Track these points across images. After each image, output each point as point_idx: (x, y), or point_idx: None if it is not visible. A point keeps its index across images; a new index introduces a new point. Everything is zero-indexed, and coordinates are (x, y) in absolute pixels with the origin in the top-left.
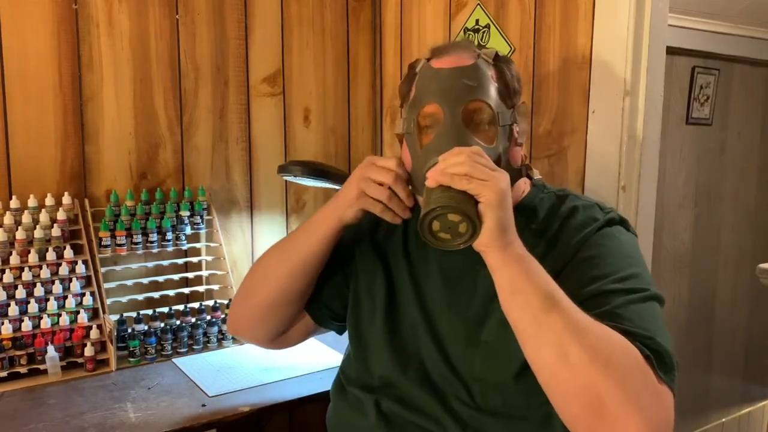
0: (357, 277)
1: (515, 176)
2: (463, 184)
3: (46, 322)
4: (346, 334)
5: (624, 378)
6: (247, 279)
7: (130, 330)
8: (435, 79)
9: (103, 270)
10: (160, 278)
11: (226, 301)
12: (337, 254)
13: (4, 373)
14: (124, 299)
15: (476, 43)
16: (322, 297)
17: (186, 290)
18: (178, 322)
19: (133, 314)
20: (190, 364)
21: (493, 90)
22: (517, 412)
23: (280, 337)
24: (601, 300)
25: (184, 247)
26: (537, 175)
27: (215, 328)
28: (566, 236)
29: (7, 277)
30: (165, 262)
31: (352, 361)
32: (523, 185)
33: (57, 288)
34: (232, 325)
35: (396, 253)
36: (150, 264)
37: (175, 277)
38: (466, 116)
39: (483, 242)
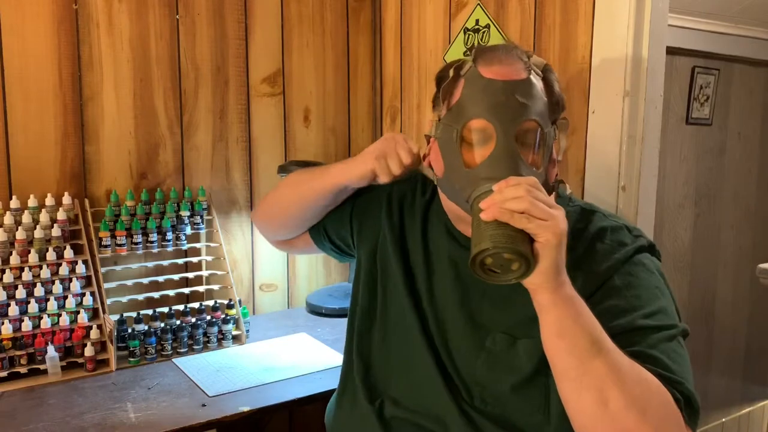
0: (362, 236)
1: (549, 193)
2: (523, 223)
3: (46, 322)
4: (344, 335)
5: (659, 425)
6: (271, 193)
7: (130, 330)
8: (486, 92)
9: (103, 270)
10: (160, 278)
11: (226, 301)
12: (358, 197)
13: (4, 373)
14: (124, 299)
15: (476, 43)
16: (324, 224)
17: (186, 290)
18: (178, 322)
19: (133, 314)
20: (190, 364)
21: (542, 107)
22: (515, 421)
23: (287, 242)
24: (633, 337)
25: (184, 247)
26: (568, 190)
27: (215, 328)
28: (593, 261)
29: (7, 277)
30: (165, 262)
31: (354, 356)
32: None
33: (57, 288)
34: (255, 218)
35: (413, 234)
36: (150, 264)
37: (175, 277)
38: (517, 137)
39: (535, 282)
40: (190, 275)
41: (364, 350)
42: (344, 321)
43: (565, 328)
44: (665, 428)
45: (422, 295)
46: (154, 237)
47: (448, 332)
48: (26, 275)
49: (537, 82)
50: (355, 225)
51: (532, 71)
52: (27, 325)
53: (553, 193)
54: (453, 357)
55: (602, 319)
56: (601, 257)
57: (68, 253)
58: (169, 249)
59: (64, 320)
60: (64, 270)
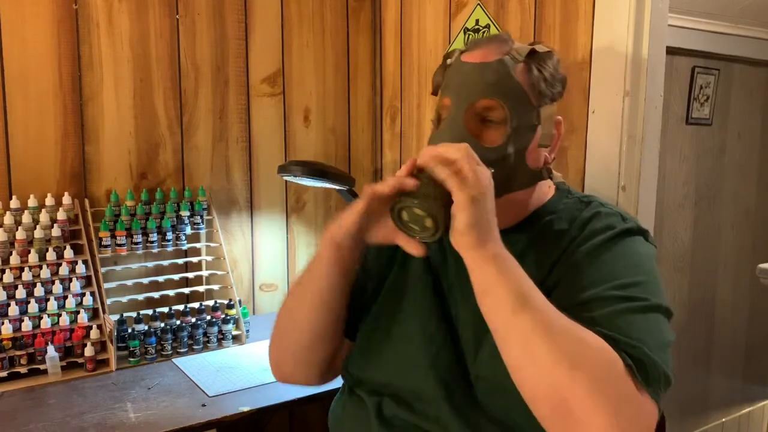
0: (373, 277)
1: (533, 178)
2: (444, 173)
3: (46, 322)
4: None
5: (594, 383)
6: (276, 324)
7: (130, 330)
8: (458, 73)
9: (103, 270)
10: (160, 278)
11: (226, 301)
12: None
13: (4, 373)
14: (124, 299)
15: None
16: (357, 319)
17: (186, 290)
18: (178, 322)
19: (133, 314)
20: (190, 364)
21: (513, 88)
22: (518, 420)
23: (329, 371)
24: (596, 305)
25: (184, 247)
26: (559, 177)
27: (215, 328)
28: (582, 241)
29: (7, 277)
30: (165, 262)
31: (356, 357)
32: (547, 189)
33: (57, 288)
34: (276, 372)
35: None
36: (150, 264)
37: (175, 277)
38: (476, 113)
39: (455, 242)
40: (190, 275)
41: (364, 349)
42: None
43: (489, 285)
44: (602, 388)
45: (445, 294)
46: (154, 237)
47: (459, 329)
48: (26, 275)
49: (512, 65)
50: (372, 263)
51: (509, 54)
52: (27, 325)
53: (547, 181)
54: (460, 351)
55: (572, 289)
56: (588, 236)
57: (68, 253)
58: (169, 249)
59: (64, 320)
60: (64, 270)
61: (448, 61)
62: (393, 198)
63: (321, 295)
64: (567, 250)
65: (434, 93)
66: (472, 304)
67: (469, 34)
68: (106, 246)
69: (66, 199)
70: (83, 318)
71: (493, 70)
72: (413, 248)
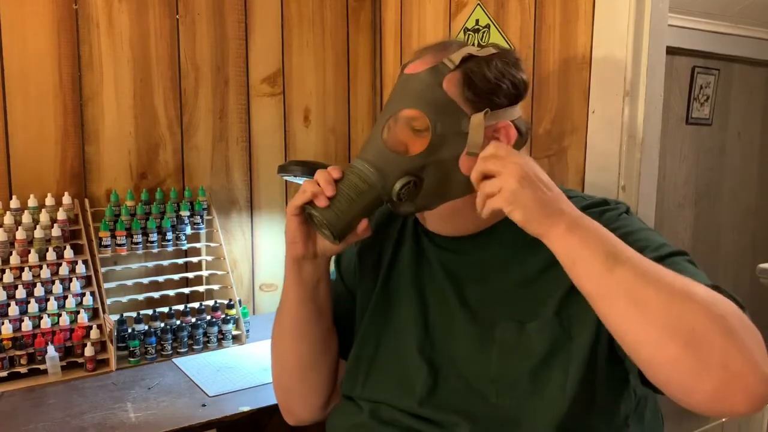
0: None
1: (469, 186)
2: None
3: (46, 322)
4: None
5: (713, 309)
6: (271, 363)
7: (130, 330)
8: (396, 84)
9: (103, 270)
10: (160, 278)
11: (226, 301)
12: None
13: (4, 373)
14: (124, 299)
15: (476, 43)
16: (348, 340)
17: (186, 290)
18: (178, 322)
19: (133, 314)
20: (190, 364)
21: (437, 97)
22: (527, 412)
23: (335, 394)
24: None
25: (184, 247)
26: None
27: (215, 328)
28: None
29: (7, 277)
30: (165, 262)
31: (348, 377)
32: None
33: (57, 288)
34: (288, 415)
35: (405, 248)
36: (150, 264)
37: (175, 277)
38: (404, 123)
39: (528, 229)
40: (190, 275)
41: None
42: None
43: (576, 256)
44: (723, 313)
45: (432, 301)
46: (154, 237)
47: (452, 342)
48: (26, 275)
49: (442, 73)
50: (354, 281)
51: (442, 63)
52: (27, 325)
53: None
54: (458, 365)
55: None
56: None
57: (68, 253)
58: (169, 249)
59: (64, 320)
60: (64, 270)
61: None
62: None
63: (301, 323)
64: None
65: None
66: (469, 313)
67: (469, 35)
68: (106, 246)
69: (66, 199)
70: (83, 318)
71: (419, 80)
72: (355, 237)
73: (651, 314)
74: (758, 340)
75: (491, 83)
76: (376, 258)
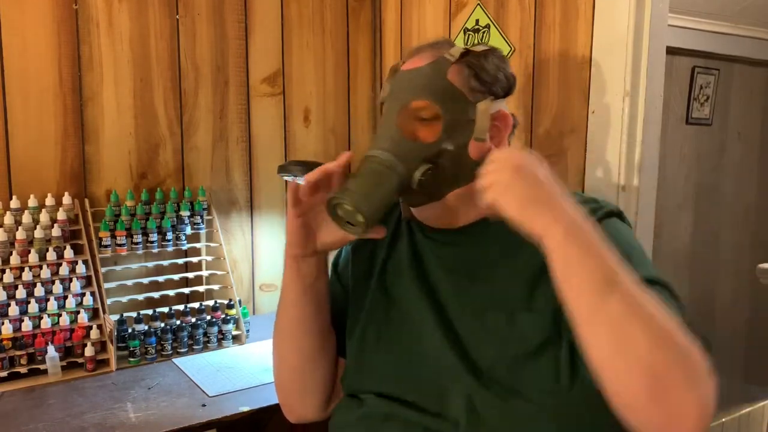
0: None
1: (468, 169)
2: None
3: (46, 322)
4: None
5: (683, 360)
6: (272, 361)
7: (130, 330)
8: (396, 81)
9: (103, 270)
10: (160, 278)
11: (226, 301)
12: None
13: (4, 373)
14: (124, 299)
15: (475, 42)
16: (344, 338)
17: (186, 290)
18: (178, 322)
19: (133, 314)
20: (190, 364)
21: (444, 87)
22: (523, 396)
23: (335, 396)
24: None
25: (184, 247)
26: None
27: (215, 328)
28: None
29: (8, 277)
30: (165, 262)
31: (349, 373)
32: None
33: (57, 288)
34: (289, 412)
35: (401, 242)
36: (150, 264)
37: (175, 277)
38: (411, 115)
39: (522, 226)
40: (190, 275)
41: (358, 351)
42: None
43: (571, 271)
44: (691, 363)
45: (434, 293)
46: (154, 237)
47: (452, 325)
48: (26, 275)
49: (444, 66)
50: (347, 279)
51: (442, 57)
52: (27, 325)
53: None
54: (459, 347)
55: None
56: None
57: (68, 253)
58: (169, 249)
59: (64, 320)
60: (64, 270)
61: (393, 70)
62: (313, 191)
63: (299, 321)
64: None
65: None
66: (467, 297)
67: (469, 35)
68: (106, 246)
69: (66, 199)
70: (83, 318)
71: (424, 73)
72: (374, 233)
73: (630, 354)
74: (713, 384)
75: (492, 74)
76: (370, 257)
